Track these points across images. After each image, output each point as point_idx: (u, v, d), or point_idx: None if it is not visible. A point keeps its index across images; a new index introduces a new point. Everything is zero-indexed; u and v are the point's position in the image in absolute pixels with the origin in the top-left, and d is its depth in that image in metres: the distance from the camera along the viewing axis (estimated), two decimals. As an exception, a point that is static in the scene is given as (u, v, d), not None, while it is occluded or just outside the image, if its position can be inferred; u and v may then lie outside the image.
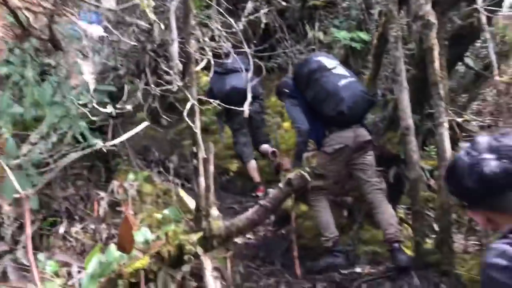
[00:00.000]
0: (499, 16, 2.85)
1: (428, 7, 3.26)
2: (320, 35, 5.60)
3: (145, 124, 2.07)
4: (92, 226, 3.59)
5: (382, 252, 3.89)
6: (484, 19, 3.18)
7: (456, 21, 5.01)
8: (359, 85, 3.66)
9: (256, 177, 5.23)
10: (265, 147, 5.31)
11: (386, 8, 3.63)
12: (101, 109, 1.68)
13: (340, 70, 3.69)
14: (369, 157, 3.65)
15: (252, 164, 5.25)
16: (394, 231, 3.42)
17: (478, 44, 5.54)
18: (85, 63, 1.59)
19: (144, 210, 3.87)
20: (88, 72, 1.52)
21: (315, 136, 3.69)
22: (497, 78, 3.09)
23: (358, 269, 3.70)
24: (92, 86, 1.59)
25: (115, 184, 3.84)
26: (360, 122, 3.66)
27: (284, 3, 6.83)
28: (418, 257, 3.47)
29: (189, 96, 2.39)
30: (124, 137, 2.37)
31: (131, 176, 3.88)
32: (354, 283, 3.46)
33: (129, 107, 2.01)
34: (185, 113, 2.34)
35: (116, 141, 1.87)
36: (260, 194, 5.02)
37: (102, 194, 3.76)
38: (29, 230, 2.10)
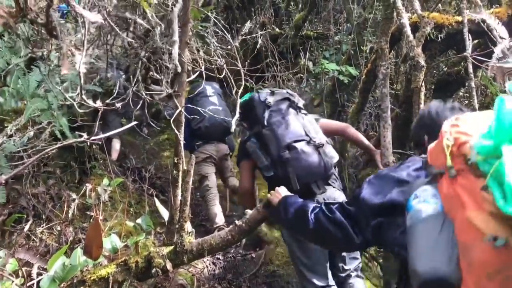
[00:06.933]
0: (486, 68, 2.92)
1: (419, 50, 3.34)
2: (310, 65, 5.66)
3: (131, 124, 2.01)
4: (59, 228, 3.46)
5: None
6: (471, 68, 3.27)
7: (443, 67, 5.17)
8: (221, 114, 4.53)
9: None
10: None
11: (378, 46, 3.70)
12: (90, 102, 1.62)
13: (214, 99, 4.63)
14: (228, 162, 4.84)
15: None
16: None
17: (460, 93, 5.70)
18: (79, 54, 1.54)
19: (115, 218, 3.76)
20: (82, 64, 1.46)
21: (189, 147, 4.53)
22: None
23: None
24: (83, 79, 1.54)
25: (88, 187, 3.72)
26: (220, 140, 4.71)
27: (278, 30, 6.95)
28: None
29: (177, 104, 2.36)
30: (106, 134, 2.31)
31: (105, 181, 3.76)
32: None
33: (118, 105, 1.94)
34: (171, 121, 2.30)
35: (98, 137, 1.81)
36: None
37: (74, 196, 3.64)
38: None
